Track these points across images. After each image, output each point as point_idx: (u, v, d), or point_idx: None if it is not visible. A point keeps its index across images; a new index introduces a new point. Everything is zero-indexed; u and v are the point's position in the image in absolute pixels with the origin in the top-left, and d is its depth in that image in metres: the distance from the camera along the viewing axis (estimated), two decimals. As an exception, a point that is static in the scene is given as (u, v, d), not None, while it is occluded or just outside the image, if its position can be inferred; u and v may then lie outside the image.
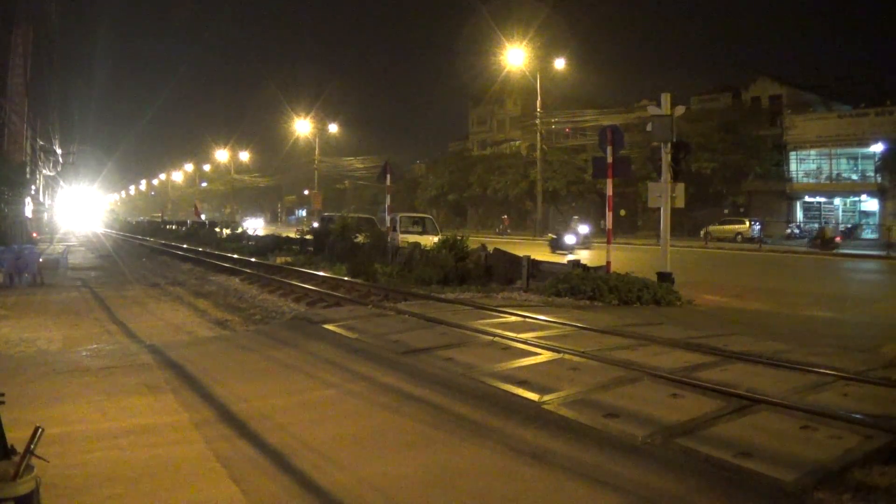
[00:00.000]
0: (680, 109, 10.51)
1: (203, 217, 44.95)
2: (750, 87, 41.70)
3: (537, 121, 41.19)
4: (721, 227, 32.55)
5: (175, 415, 3.92)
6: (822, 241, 25.18)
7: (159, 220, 56.11)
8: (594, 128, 36.23)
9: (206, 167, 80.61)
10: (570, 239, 21.50)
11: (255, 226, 44.52)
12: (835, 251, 23.83)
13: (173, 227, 44.63)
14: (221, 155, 69.90)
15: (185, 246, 24.94)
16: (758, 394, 4.09)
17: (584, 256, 15.96)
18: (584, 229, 24.08)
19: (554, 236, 23.40)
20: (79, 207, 59.21)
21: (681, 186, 10.52)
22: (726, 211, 35.86)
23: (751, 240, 29.60)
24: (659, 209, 10.71)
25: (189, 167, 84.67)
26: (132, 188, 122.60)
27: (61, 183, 46.10)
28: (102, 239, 34.27)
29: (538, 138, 41.25)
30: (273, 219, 74.67)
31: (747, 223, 32.09)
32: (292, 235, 23.20)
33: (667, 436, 3.44)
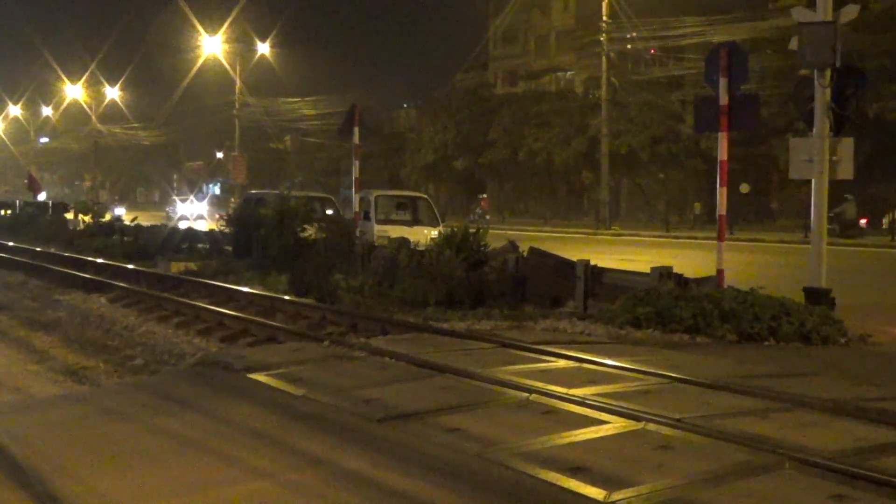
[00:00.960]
0: (851, 11, 10.45)
1: (43, 195, 45.11)
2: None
3: (603, 37, 41.19)
4: None
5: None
6: (842, 226, 27.53)
7: None
8: (698, 48, 36.04)
9: (49, 111, 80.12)
10: None
11: (194, 213, 43.36)
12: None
13: None
14: (75, 91, 69.56)
15: (11, 244, 25.09)
16: None
17: None
18: None
19: None
20: None
21: (847, 144, 10.47)
22: None
23: None
24: (808, 182, 10.67)
25: (17, 111, 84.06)
26: None
27: None
28: None
29: (604, 66, 41.27)
30: (167, 198, 74.95)
31: None
32: (198, 227, 23.28)
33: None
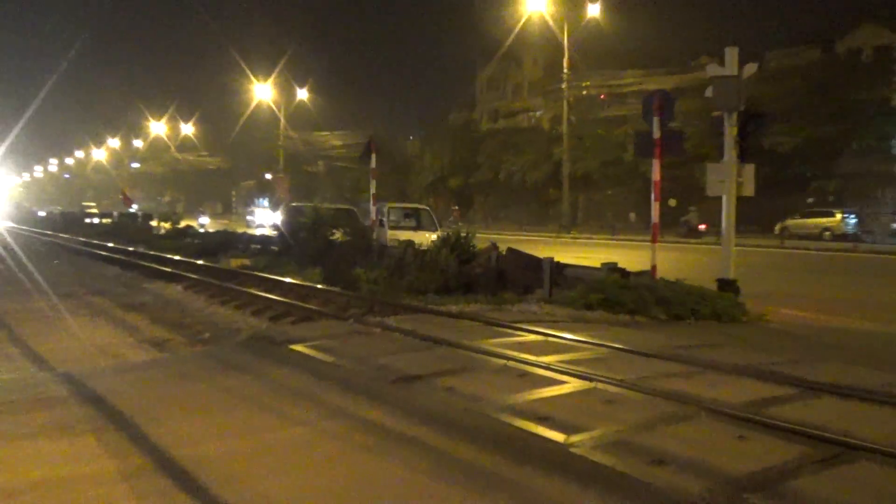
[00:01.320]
0: (751, 68, 10.48)
1: (135, 207, 45.09)
2: (847, 37, 40.91)
3: (564, 85, 41.27)
4: (803, 220, 32.59)
5: (97, 463, 3.91)
6: (688, 230, 29.34)
7: (95, 211, 56.16)
8: (638, 94, 36.09)
9: (138, 143, 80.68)
10: None
11: (271, 221, 41.85)
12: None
13: (96, 220, 44.79)
14: (158, 128, 69.93)
15: (110, 244, 25.07)
16: (854, 438, 4.07)
17: None
18: None
19: None
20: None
21: (749, 168, 10.51)
22: (810, 200, 35.55)
23: (844, 237, 29.63)
24: (720, 198, 10.70)
25: (115, 143, 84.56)
26: (39, 169, 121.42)
27: None
28: (-2, 235, 34.28)
29: (565, 107, 41.37)
30: (226, 210, 74.82)
31: (838, 216, 32.02)
32: (252, 232, 23.28)
33: (731, 491, 3.43)
